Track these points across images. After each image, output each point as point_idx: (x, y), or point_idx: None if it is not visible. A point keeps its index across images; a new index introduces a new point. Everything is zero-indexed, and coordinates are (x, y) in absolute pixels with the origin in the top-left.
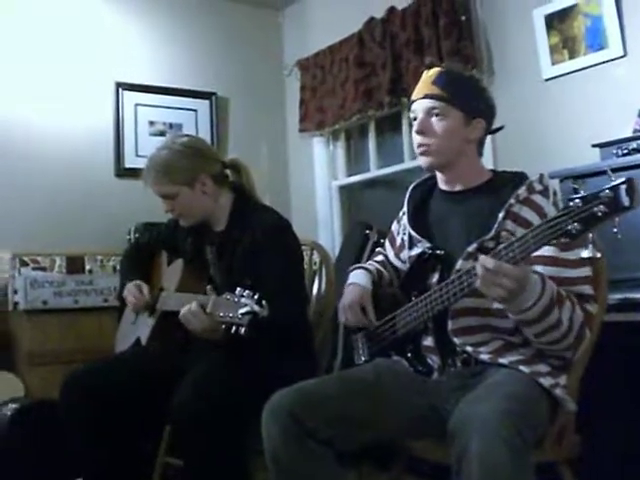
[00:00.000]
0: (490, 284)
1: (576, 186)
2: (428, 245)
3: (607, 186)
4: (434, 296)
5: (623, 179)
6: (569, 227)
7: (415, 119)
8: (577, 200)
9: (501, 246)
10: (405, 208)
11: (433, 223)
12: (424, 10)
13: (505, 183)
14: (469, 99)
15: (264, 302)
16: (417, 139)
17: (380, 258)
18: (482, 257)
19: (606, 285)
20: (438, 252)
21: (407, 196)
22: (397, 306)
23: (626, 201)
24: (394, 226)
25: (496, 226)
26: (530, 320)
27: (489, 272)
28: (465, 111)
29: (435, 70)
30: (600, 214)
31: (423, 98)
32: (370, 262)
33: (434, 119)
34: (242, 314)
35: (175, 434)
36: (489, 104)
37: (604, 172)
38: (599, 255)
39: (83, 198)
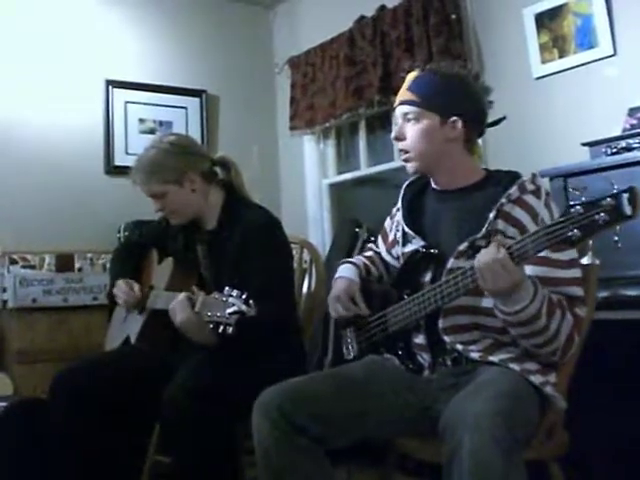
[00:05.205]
0: (493, 272)
1: (575, 189)
2: (422, 243)
3: (609, 194)
4: (427, 295)
5: (626, 187)
6: (569, 233)
7: None
8: (578, 207)
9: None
10: (400, 205)
11: (426, 221)
12: (415, 8)
13: (497, 182)
14: (443, 99)
15: (252, 301)
16: (397, 145)
17: (369, 253)
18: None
19: (595, 288)
20: (432, 250)
21: (402, 193)
22: (388, 303)
23: (628, 210)
24: (387, 222)
25: (487, 225)
26: (515, 323)
27: (499, 261)
28: (440, 112)
29: (411, 75)
30: (601, 222)
31: (400, 105)
32: (358, 257)
33: (408, 124)
34: (230, 313)
35: (164, 432)
36: (471, 101)
37: (593, 171)
38: (597, 262)
39: (73, 196)
